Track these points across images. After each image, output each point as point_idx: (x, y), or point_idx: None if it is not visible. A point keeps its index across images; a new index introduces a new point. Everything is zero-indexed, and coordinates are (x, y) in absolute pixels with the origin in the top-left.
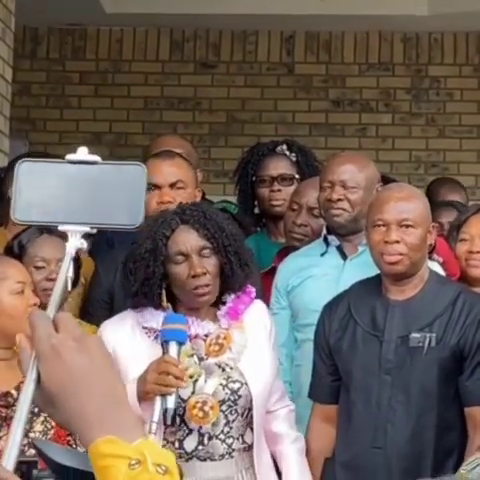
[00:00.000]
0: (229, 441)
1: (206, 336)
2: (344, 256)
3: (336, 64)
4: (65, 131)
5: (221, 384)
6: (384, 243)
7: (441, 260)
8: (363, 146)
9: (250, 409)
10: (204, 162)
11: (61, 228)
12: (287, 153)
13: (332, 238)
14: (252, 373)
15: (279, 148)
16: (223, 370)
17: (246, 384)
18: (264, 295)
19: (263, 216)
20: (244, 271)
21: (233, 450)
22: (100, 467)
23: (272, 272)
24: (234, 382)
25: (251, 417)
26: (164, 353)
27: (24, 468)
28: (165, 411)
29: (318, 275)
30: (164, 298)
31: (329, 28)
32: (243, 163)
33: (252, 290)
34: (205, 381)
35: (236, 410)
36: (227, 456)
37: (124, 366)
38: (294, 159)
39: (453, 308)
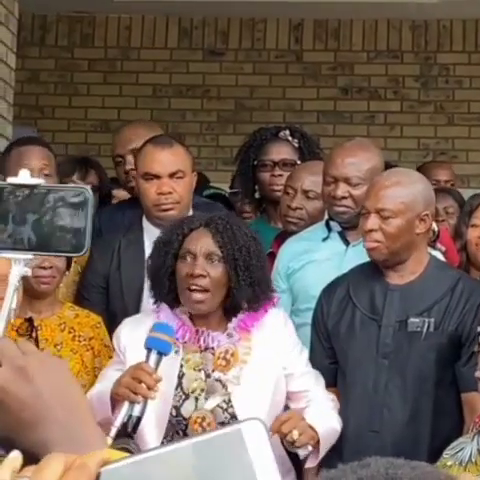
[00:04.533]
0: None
1: (214, 348)
2: (346, 242)
3: (344, 51)
4: (73, 118)
5: (221, 407)
6: (363, 231)
7: (443, 249)
8: (371, 134)
9: None
10: (212, 150)
11: (3, 255)
12: (290, 139)
13: (334, 224)
14: (245, 403)
15: (282, 133)
16: (225, 389)
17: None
18: None
19: (263, 201)
20: (254, 290)
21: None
22: None
23: (270, 257)
24: (234, 407)
25: None
26: (146, 360)
27: None
28: (129, 418)
29: (319, 260)
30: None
31: (338, 16)
32: (245, 147)
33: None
34: (205, 399)
35: None
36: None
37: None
38: (296, 145)
39: (452, 294)
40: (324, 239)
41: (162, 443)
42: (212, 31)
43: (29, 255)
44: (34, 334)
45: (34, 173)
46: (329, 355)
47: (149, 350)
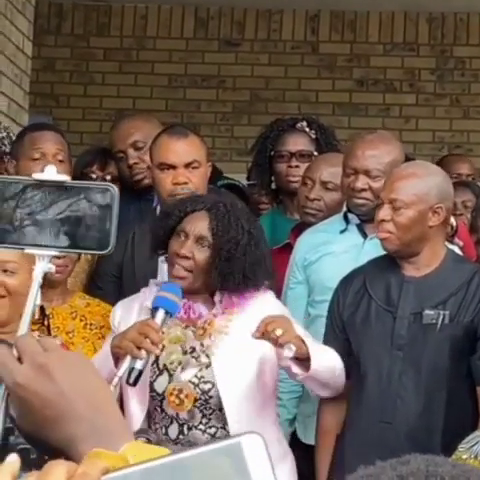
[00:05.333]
0: (211, 431)
1: (197, 319)
2: (364, 235)
3: (361, 43)
4: (88, 107)
5: (193, 383)
6: (377, 221)
7: (461, 244)
8: (386, 126)
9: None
10: (227, 140)
11: (28, 251)
12: (307, 130)
13: (352, 216)
14: (225, 372)
15: (299, 124)
16: (198, 361)
17: (216, 385)
18: (277, 272)
19: (279, 192)
20: (226, 280)
21: (219, 438)
22: None
23: (287, 249)
24: (205, 383)
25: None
26: (153, 317)
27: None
28: (131, 370)
29: (337, 252)
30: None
31: (354, 7)
32: (262, 138)
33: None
34: (181, 371)
35: (210, 407)
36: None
37: None
38: (313, 136)
39: (468, 287)
40: (342, 231)
41: (147, 421)
42: (228, 21)
43: (53, 252)
44: (46, 322)
45: (48, 158)
46: (343, 346)
47: (156, 308)
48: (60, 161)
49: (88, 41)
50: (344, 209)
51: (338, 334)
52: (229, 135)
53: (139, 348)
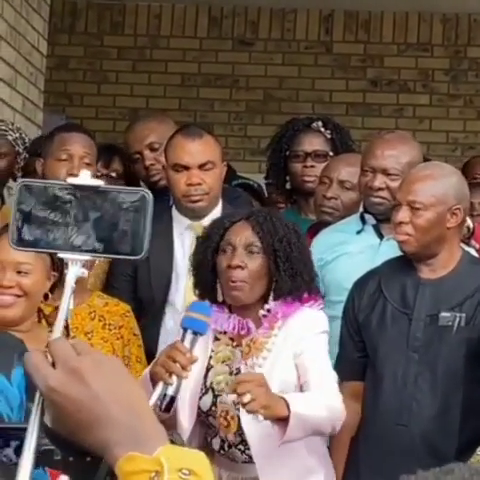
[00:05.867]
0: (250, 452)
1: (246, 336)
2: (380, 235)
3: (374, 44)
4: (102, 106)
5: (235, 404)
6: (394, 223)
7: (478, 246)
8: (400, 127)
9: None
10: (240, 140)
11: (61, 255)
12: (322, 130)
13: (369, 217)
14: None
15: (314, 124)
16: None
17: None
18: None
19: (294, 192)
20: (295, 281)
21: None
22: None
23: None
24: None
25: None
26: (182, 340)
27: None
28: (163, 397)
29: (353, 253)
30: (219, 293)
31: (368, 7)
32: (277, 137)
33: (310, 298)
34: (226, 394)
35: None
36: (249, 463)
37: None
38: (329, 136)
39: None
40: (358, 232)
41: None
42: (242, 21)
43: (87, 256)
44: (64, 322)
45: (74, 160)
46: (359, 348)
47: (185, 330)
48: (87, 164)
49: (102, 40)
50: (361, 209)
51: (353, 336)
52: (242, 134)
53: (171, 373)
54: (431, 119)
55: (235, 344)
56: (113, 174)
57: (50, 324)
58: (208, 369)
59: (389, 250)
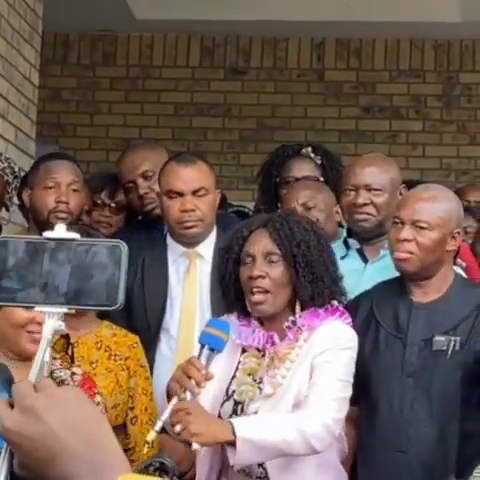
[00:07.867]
0: (265, 466)
1: (271, 348)
2: (365, 259)
3: (366, 71)
4: (95, 137)
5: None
6: (396, 240)
7: (464, 265)
8: (393, 153)
9: None
10: (234, 168)
11: (38, 309)
12: (312, 156)
13: (353, 242)
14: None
15: (304, 150)
16: (262, 393)
17: None
18: None
19: None
20: (317, 286)
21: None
22: None
23: None
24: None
25: None
26: (199, 355)
27: None
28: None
29: None
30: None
31: (360, 35)
32: (267, 164)
33: (336, 309)
34: (249, 402)
35: None
36: (264, 478)
37: None
38: (319, 162)
39: (478, 312)
40: (342, 257)
41: None
42: (234, 50)
43: (63, 309)
44: (70, 351)
45: (61, 187)
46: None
47: (202, 345)
48: (74, 190)
49: (94, 70)
50: (344, 235)
51: None
52: (236, 163)
53: (185, 389)
54: (424, 145)
55: (262, 354)
56: (113, 205)
57: (57, 352)
58: (233, 377)
59: (374, 274)
